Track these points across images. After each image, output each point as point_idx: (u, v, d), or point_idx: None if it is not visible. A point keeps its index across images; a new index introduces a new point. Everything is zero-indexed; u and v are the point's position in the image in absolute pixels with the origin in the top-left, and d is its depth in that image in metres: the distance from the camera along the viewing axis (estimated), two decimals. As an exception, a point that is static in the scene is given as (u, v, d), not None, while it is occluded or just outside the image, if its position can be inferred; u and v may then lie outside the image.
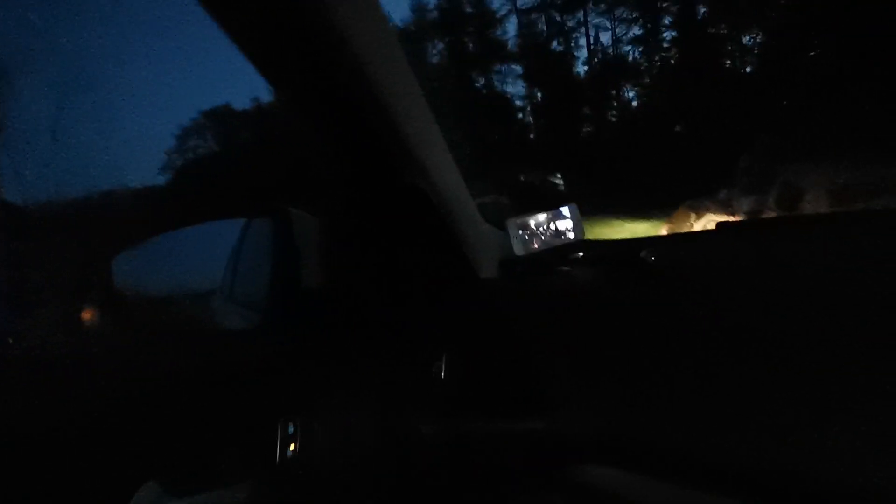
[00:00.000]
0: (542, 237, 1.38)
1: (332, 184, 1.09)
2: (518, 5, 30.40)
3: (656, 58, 27.91)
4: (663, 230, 8.06)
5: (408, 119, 0.77)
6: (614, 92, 28.87)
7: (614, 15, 28.45)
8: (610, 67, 28.62)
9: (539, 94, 30.46)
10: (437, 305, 1.27)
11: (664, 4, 26.93)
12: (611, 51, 29.25)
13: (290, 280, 1.31)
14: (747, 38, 24.87)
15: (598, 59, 29.29)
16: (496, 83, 30.84)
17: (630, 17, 28.04)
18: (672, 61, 26.67)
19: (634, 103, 28.96)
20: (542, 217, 1.39)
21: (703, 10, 25.41)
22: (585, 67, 29.60)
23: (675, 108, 23.31)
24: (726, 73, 24.13)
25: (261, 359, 1.29)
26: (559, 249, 1.37)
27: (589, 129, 28.53)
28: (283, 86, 0.72)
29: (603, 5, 28.34)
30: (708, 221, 7.61)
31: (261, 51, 0.59)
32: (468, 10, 30.86)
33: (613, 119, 28.82)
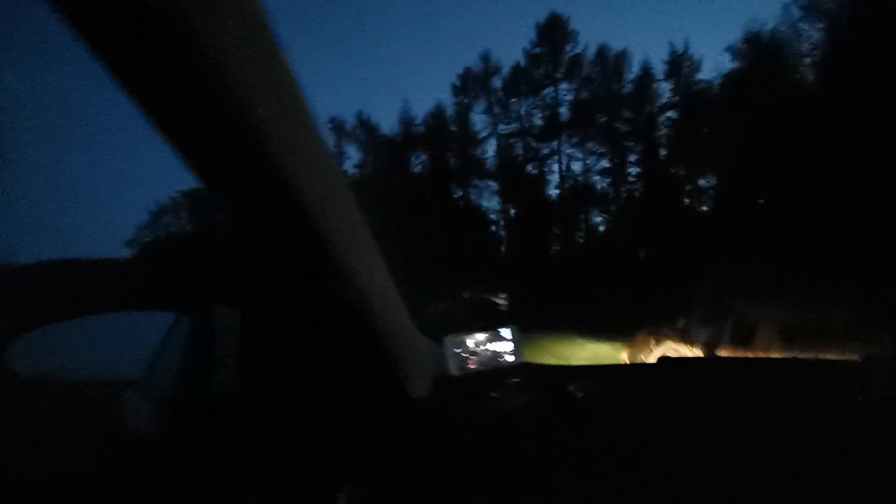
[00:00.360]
0: (480, 358, 1.32)
1: (258, 285, 1.07)
2: (499, 130, 33.22)
3: (622, 189, 30.19)
4: (624, 354, 8.13)
5: (337, 224, 0.75)
6: (583, 216, 30.68)
7: (586, 147, 31.20)
8: (579, 193, 30.67)
9: (511, 212, 32.15)
10: (354, 425, 1.15)
11: (630, 143, 29.74)
12: (581, 179, 31.60)
13: (204, 383, 1.23)
14: (703, 180, 27.41)
15: (568, 184, 31.49)
16: (472, 197, 32.62)
17: (600, 150, 30.75)
18: (636, 194, 28.82)
19: (601, 229, 30.73)
20: (481, 337, 1.34)
21: (663, 152, 28.03)
22: (557, 191, 31.74)
23: (639, 237, 24.68)
24: (685, 209, 26.11)
25: (162, 463, 1.18)
26: (495, 372, 1.32)
27: (557, 248, 29.80)
28: (211, 182, 0.71)
29: (576, 138, 31.15)
30: (667, 349, 7.73)
31: (187, 145, 0.59)
32: (452, 128, 33.52)
33: (581, 241, 30.29)
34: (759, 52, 22.65)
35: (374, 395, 1.13)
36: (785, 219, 15.32)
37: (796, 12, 21.27)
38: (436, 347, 1.33)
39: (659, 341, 7.74)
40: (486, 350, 1.32)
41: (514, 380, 1.28)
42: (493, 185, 32.45)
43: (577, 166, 31.51)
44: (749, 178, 19.72)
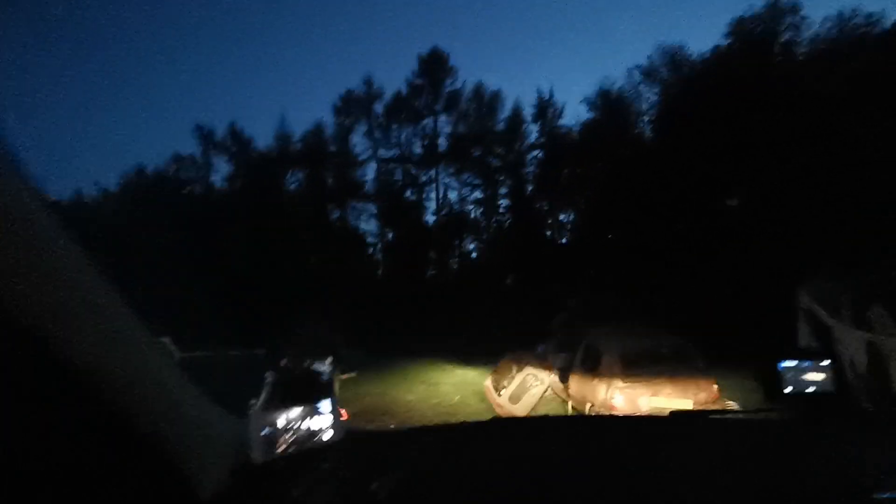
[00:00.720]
0: (292, 438, 1.11)
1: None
2: (379, 154, 33.39)
3: (493, 219, 31.99)
4: (488, 380, 8.46)
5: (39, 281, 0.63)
6: (457, 242, 31.83)
7: (462, 178, 32.63)
8: (455, 221, 31.83)
9: (389, 235, 32.26)
10: None
11: (500, 178, 31.73)
12: (457, 207, 32.88)
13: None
14: (563, 215, 30.17)
15: (445, 212, 32.55)
16: (350, 218, 32.17)
17: (474, 182, 32.36)
18: (506, 224, 30.73)
19: (473, 255, 32.11)
20: (295, 412, 1.13)
21: (529, 187, 30.32)
22: (434, 217, 32.61)
23: (506, 265, 26.17)
24: (546, 242, 28.39)
25: None
26: (310, 455, 1.12)
27: (433, 272, 30.47)
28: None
29: (452, 168, 32.42)
30: (527, 374, 8.20)
31: None
32: (332, 148, 32.91)
33: (455, 266, 31.32)
34: (609, 106, 25.78)
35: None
36: (628, 255, 17.29)
37: (637, 76, 24.69)
38: (239, 424, 1.12)
39: (521, 367, 8.14)
40: (301, 428, 1.12)
41: (325, 465, 1.11)
42: (372, 207, 32.40)
43: (453, 195, 32.80)
44: (601, 215, 22.10)
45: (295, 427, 1.13)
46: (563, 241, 28.80)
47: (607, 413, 6.33)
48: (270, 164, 31.05)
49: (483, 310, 18.44)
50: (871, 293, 5.44)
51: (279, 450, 1.09)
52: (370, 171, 33.52)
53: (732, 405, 7.45)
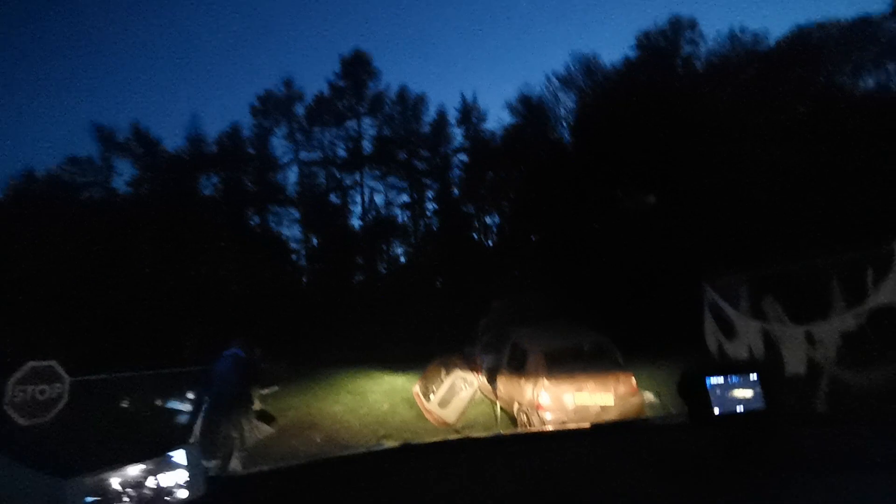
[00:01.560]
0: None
1: None
2: (300, 157, 32.27)
3: (420, 223, 31.97)
4: (417, 385, 8.34)
5: None
6: (384, 246, 31.47)
7: (387, 181, 32.30)
8: (381, 225, 31.45)
9: (314, 241, 31.24)
10: None
11: (426, 181, 31.79)
12: (383, 211, 32.51)
13: None
14: (488, 218, 30.77)
15: (371, 216, 32.07)
16: (271, 224, 30.79)
17: (400, 185, 32.16)
18: (433, 228, 30.81)
19: (402, 260, 31.88)
20: (134, 471, 0.87)
21: (455, 191, 30.63)
22: (360, 222, 32.01)
23: (434, 268, 26.24)
24: (474, 245, 28.81)
25: None
26: None
27: (360, 278, 29.88)
28: None
29: (377, 171, 32.02)
30: (456, 377, 8.18)
31: None
32: (250, 150, 31.35)
33: (383, 271, 30.92)
34: (530, 111, 26.64)
35: None
36: (549, 256, 17.90)
37: (556, 83, 25.69)
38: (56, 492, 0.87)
39: (449, 370, 8.11)
40: (143, 491, 0.88)
41: None
42: (295, 212, 31.20)
43: (379, 199, 32.37)
44: (523, 217, 22.74)
45: (137, 493, 0.87)
46: (489, 243, 29.33)
47: (534, 411, 6.45)
48: (182, 166, 29.01)
49: (411, 315, 18.31)
50: (765, 287, 5.94)
51: None
52: (292, 175, 32.33)
53: (649, 396, 7.87)
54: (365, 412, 9.22)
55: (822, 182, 11.01)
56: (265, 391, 8.92)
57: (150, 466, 0.90)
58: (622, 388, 6.47)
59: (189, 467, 0.94)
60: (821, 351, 4.89)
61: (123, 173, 29.59)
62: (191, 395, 7.45)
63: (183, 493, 0.92)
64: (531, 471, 1.29)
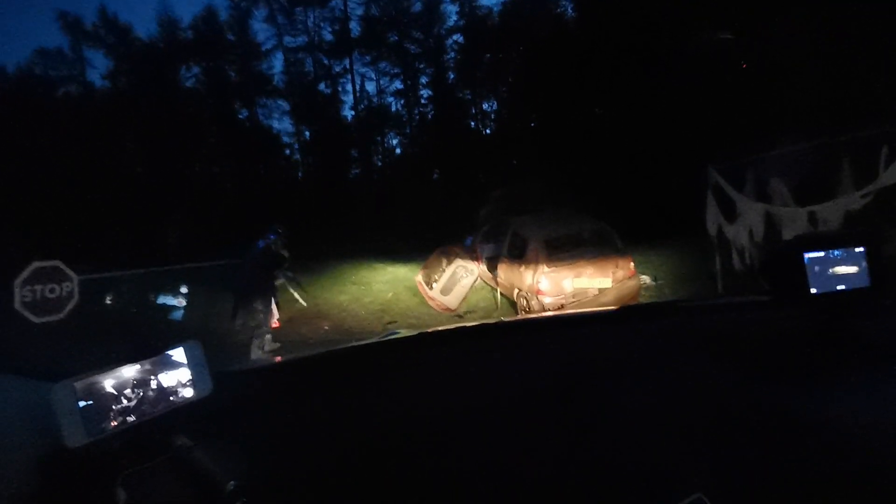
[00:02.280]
0: (132, 406, 0.81)
1: None
2: (285, 42, 30.11)
3: (415, 111, 30.69)
4: (419, 274, 8.54)
5: None
6: (379, 137, 30.56)
7: (378, 67, 30.46)
8: (375, 115, 30.24)
9: (306, 134, 30.23)
10: None
11: (421, 65, 29.98)
12: (376, 100, 31.08)
13: None
14: (486, 104, 29.48)
15: (363, 106, 30.73)
16: (261, 117, 29.58)
17: (392, 71, 30.38)
18: (429, 116, 29.65)
19: (398, 151, 31.14)
20: (129, 372, 0.82)
21: (451, 75, 29.01)
22: (352, 112, 30.74)
23: (432, 158, 25.71)
24: (472, 133, 27.93)
25: None
26: (162, 426, 0.84)
27: (357, 171, 29.40)
28: None
29: (367, 57, 30.08)
30: (457, 266, 8.35)
31: None
32: (230, 36, 29.16)
33: (379, 163, 30.37)
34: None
35: None
36: (549, 142, 17.42)
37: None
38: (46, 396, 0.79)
39: (450, 260, 8.25)
40: (143, 390, 0.83)
41: (180, 442, 0.83)
42: (284, 104, 29.82)
43: (371, 87, 30.81)
44: (522, 102, 21.80)
45: (134, 392, 0.82)
46: (487, 131, 28.44)
47: (533, 296, 6.66)
48: (158, 56, 27.14)
49: (411, 206, 18.28)
50: (771, 168, 5.81)
51: (112, 425, 0.78)
52: (277, 64, 30.44)
53: (646, 279, 8.10)
54: (370, 300, 9.54)
55: (839, 55, 10.34)
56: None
57: (148, 367, 0.85)
58: (620, 273, 6.62)
59: (191, 365, 0.90)
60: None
61: (98, 65, 27.81)
62: (184, 291, 7.41)
63: (188, 392, 0.89)
64: (561, 363, 1.19)
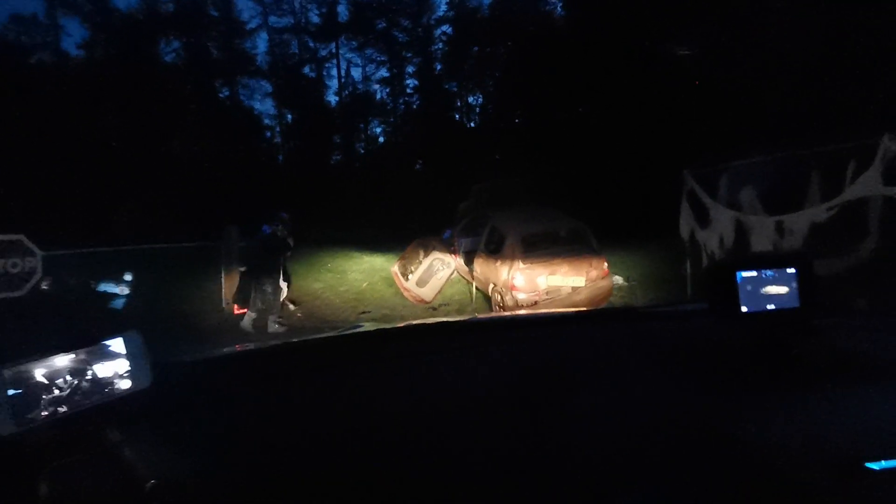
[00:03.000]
0: (61, 397, 0.79)
1: None
2: (270, 22, 29.50)
3: (400, 100, 30.43)
4: (396, 265, 8.51)
5: None
6: (363, 125, 30.22)
7: (365, 54, 30.07)
8: (360, 101, 29.88)
9: (288, 116, 29.73)
10: None
11: (408, 55, 29.70)
12: (361, 86, 30.70)
13: None
14: (471, 98, 29.39)
15: (348, 91, 30.33)
16: (242, 97, 28.95)
17: (378, 59, 30.03)
18: (413, 106, 29.44)
19: (381, 140, 30.85)
20: (62, 361, 0.79)
21: (438, 66, 28.81)
22: (336, 98, 30.32)
23: (415, 149, 25.56)
24: (456, 125, 27.84)
25: None
26: (95, 419, 0.81)
27: (338, 157, 29.06)
28: None
29: (354, 42, 29.67)
30: (434, 258, 8.34)
31: None
32: (213, 12, 28.42)
33: (361, 151, 30.06)
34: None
35: None
36: (533, 139, 17.48)
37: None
38: None
39: (427, 251, 8.24)
40: (78, 381, 0.80)
41: (113, 435, 0.81)
42: (267, 85, 29.23)
43: (356, 73, 30.40)
44: (508, 98, 21.81)
45: (68, 381, 0.79)
46: (472, 124, 28.38)
47: (508, 292, 6.71)
48: (137, 28, 26.27)
49: (391, 196, 18.17)
50: (744, 177, 5.94)
51: (42, 416, 0.76)
52: (261, 44, 29.81)
53: (619, 279, 8.23)
54: (344, 289, 9.49)
55: (816, 70, 10.60)
56: (243, 268, 9.03)
57: (83, 356, 0.82)
58: (594, 272, 6.71)
59: (129, 356, 0.86)
60: (788, 241, 5.04)
61: (73, 34, 26.83)
62: (128, 278, 7.15)
63: (125, 384, 0.85)
64: (516, 364, 1.22)
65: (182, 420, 0.94)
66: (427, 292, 8.00)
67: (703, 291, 1.17)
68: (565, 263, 6.66)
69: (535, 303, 6.60)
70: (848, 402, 0.97)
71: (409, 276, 8.08)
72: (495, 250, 7.30)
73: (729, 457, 0.80)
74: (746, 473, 0.76)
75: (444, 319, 1.65)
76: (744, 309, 1.09)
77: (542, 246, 6.99)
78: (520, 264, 6.64)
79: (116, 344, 0.85)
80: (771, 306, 1.10)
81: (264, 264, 7.34)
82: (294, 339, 1.42)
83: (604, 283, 6.87)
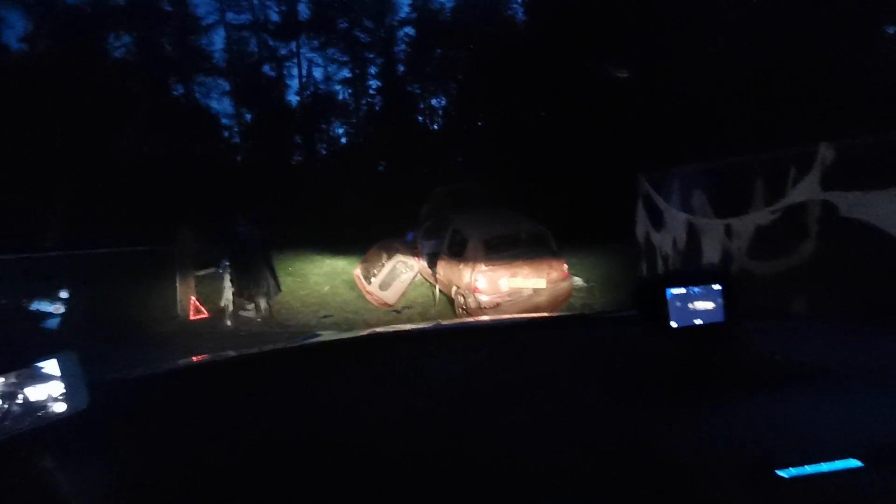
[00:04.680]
0: None
1: None
2: (227, 18, 28.67)
3: (363, 101, 30.13)
4: (358, 269, 8.42)
5: None
6: (324, 126, 29.76)
7: (326, 54, 29.63)
8: (321, 102, 29.41)
9: (247, 116, 28.99)
10: None
11: (370, 56, 29.47)
12: (323, 87, 30.22)
13: None
14: (434, 100, 29.41)
15: (309, 92, 29.82)
16: (198, 96, 28.02)
17: (340, 59, 29.65)
18: (376, 108, 29.21)
19: (343, 141, 30.45)
20: None
21: (401, 67, 28.71)
22: (297, 98, 29.76)
23: (377, 151, 25.39)
24: (419, 128, 27.80)
25: None
26: (29, 442, 0.78)
27: (299, 158, 28.52)
28: None
29: (315, 42, 29.21)
30: (397, 261, 8.29)
31: None
32: (167, 8, 27.38)
33: (323, 152, 29.59)
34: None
35: None
36: (494, 142, 17.67)
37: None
38: None
39: (390, 254, 8.19)
40: (8, 406, 0.76)
41: (48, 464, 0.78)
42: (224, 84, 28.37)
43: (318, 73, 29.94)
44: (470, 101, 21.97)
45: None
46: (435, 127, 28.41)
47: (471, 294, 6.75)
48: (84, 20, 25.00)
49: (352, 198, 17.99)
50: (695, 181, 6.18)
51: None
52: (218, 41, 28.96)
53: (578, 281, 8.40)
54: (305, 293, 9.33)
55: (765, 80, 11.15)
56: (201, 273, 8.76)
57: (13, 380, 0.77)
58: (554, 274, 6.84)
59: (64, 378, 0.81)
60: (736, 243, 5.28)
61: (14, 25, 25.32)
62: (64, 295, 6.30)
63: (60, 407, 0.81)
64: (461, 373, 1.23)
65: (122, 442, 0.90)
66: (390, 295, 7.96)
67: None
68: (526, 266, 6.76)
69: (498, 304, 6.68)
70: (764, 408, 1.01)
71: (372, 280, 8.03)
72: (458, 253, 7.33)
73: (644, 468, 0.82)
74: (659, 484, 0.78)
75: (368, 332, 1.64)
76: (673, 324, 1.13)
77: (503, 248, 7.08)
78: (482, 267, 6.71)
79: (50, 365, 0.80)
80: (698, 321, 1.14)
81: (252, 259, 7.82)
82: (253, 350, 1.38)
83: (564, 285, 7.01)
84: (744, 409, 1.01)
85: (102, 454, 0.87)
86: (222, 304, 7.85)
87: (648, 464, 0.83)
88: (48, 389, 0.80)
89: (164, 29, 27.39)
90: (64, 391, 0.81)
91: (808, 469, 0.76)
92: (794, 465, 0.76)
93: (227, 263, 7.90)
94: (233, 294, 7.93)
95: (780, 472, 0.76)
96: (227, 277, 7.91)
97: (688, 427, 0.94)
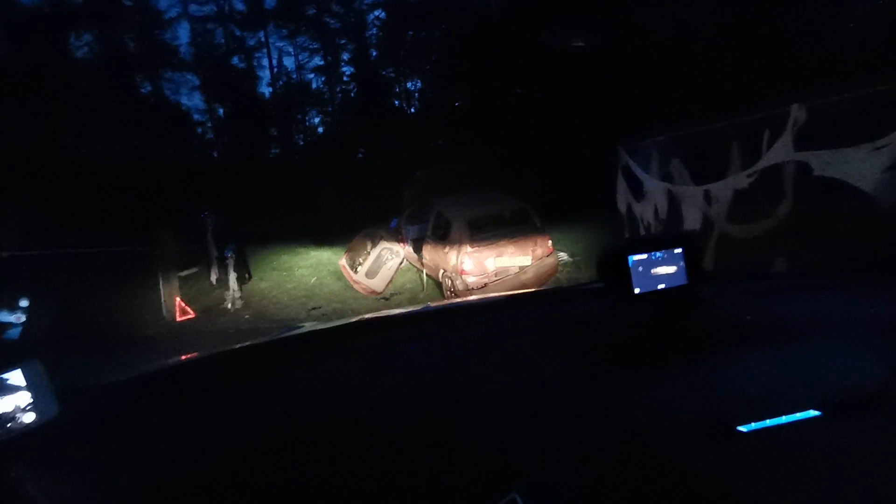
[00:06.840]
0: None
1: None
2: (190, 11, 27.84)
3: (338, 89, 29.64)
4: (343, 258, 8.38)
5: None
6: (300, 116, 29.28)
7: (296, 42, 29.01)
8: (294, 92, 28.89)
9: (219, 110, 28.40)
10: None
11: (342, 41, 28.92)
12: (295, 76, 29.65)
13: None
14: (409, 83, 29.04)
15: (282, 81, 29.25)
16: (167, 93, 27.31)
17: (311, 46, 29.06)
18: (351, 94, 28.76)
19: (320, 130, 30.01)
20: None
21: (373, 52, 28.25)
22: (269, 89, 29.17)
23: (355, 138, 25.07)
24: (396, 112, 27.48)
25: None
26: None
27: (276, 151, 28.08)
28: None
29: (284, 31, 28.57)
30: (383, 248, 8.26)
31: None
32: (127, 2, 26.46)
33: (300, 143, 29.16)
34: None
35: None
36: (473, 122, 17.55)
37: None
38: None
39: (375, 242, 8.15)
40: None
41: (19, 474, 0.76)
42: (193, 78, 27.65)
43: (289, 62, 29.32)
44: (446, 83, 21.74)
45: None
46: (412, 110, 28.12)
47: (458, 276, 6.77)
48: (42, 20, 24.10)
49: (333, 187, 17.79)
50: (673, 150, 6.22)
51: None
52: (183, 35, 28.16)
53: (563, 256, 8.47)
54: (292, 287, 9.28)
55: (737, 42, 11.17)
56: (184, 273, 8.65)
57: None
58: (539, 251, 6.88)
59: (31, 387, 0.80)
60: (715, 208, 5.35)
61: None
62: (24, 304, 5.94)
63: (29, 417, 0.80)
64: (441, 356, 1.25)
65: (95, 450, 0.89)
66: (377, 283, 7.94)
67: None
68: (511, 244, 6.79)
69: (485, 285, 6.71)
70: (728, 368, 1.03)
71: (358, 269, 7.99)
72: (443, 236, 7.33)
73: (613, 434, 0.84)
74: (627, 448, 0.80)
75: (357, 318, 1.64)
76: (637, 290, 1.15)
77: (487, 228, 7.09)
78: (467, 248, 6.71)
79: (14, 376, 0.79)
80: (662, 286, 1.17)
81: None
82: (233, 346, 1.36)
83: (549, 261, 7.06)
84: (708, 369, 1.03)
85: (75, 463, 0.85)
86: (230, 288, 8.22)
87: (617, 430, 0.84)
88: (15, 400, 0.78)
89: (125, 25, 26.52)
90: (31, 401, 0.80)
91: (768, 422, 0.78)
92: (755, 421, 0.79)
93: (233, 247, 8.26)
94: (236, 279, 8.23)
95: (741, 428, 0.78)
96: (232, 262, 8.16)
97: (653, 391, 0.96)
